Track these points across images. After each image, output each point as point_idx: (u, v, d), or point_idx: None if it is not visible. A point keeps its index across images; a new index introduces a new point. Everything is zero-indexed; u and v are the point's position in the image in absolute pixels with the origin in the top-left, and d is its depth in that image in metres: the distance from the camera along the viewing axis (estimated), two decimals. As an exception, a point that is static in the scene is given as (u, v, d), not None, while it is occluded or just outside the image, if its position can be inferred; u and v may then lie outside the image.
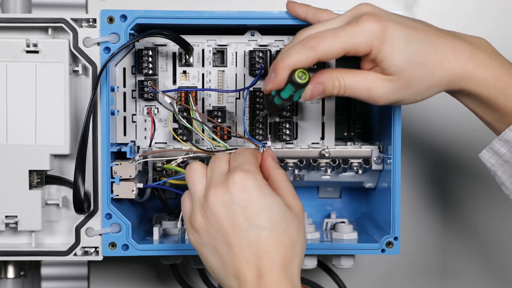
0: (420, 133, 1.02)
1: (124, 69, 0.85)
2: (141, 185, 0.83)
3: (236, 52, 0.85)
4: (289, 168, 0.86)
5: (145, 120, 0.85)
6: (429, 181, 1.03)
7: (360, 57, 0.73)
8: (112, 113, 0.81)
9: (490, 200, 1.02)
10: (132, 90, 0.85)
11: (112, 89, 0.81)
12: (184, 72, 0.85)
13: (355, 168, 0.87)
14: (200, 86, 0.85)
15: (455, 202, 1.03)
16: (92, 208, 0.81)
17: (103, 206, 0.81)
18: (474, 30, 1.01)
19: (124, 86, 0.85)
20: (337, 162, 0.86)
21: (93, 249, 0.82)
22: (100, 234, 0.81)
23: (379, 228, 0.87)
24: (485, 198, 1.02)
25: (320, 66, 0.84)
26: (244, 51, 0.85)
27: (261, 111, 0.84)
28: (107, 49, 0.80)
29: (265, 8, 0.87)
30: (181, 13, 0.81)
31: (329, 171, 0.87)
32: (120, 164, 0.81)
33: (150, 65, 0.83)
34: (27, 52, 0.80)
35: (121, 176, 0.81)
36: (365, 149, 0.86)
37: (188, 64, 0.85)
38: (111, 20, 0.80)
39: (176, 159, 0.83)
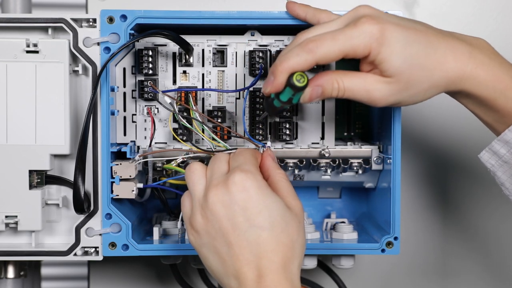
0: (420, 133, 1.02)
1: (124, 69, 0.85)
2: (141, 185, 0.83)
3: (236, 52, 0.85)
4: (289, 168, 0.86)
5: (145, 120, 0.85)
6: (429, 181, 1.03)
7: (359, 59, 0.73)
8: (112, 113, 0.81)
9: (490, 200, 1.02)
10: (132, 90, 0.85)
11: (112, 89, 0.81)
12: (184, 72, 0.85)
13: (355, 168, 0.87)
14: (200, 86, 0.85)
15: (455, 202, 1.03)
16: (92, 208, 0.81)
17: (103, 206, 0.81)
18: (474, 30, 1.01)
19: (124, 86, 0.85)
20: (337, 162, 0.86)
21: (93, 249, 0.82)
22: (100, 234, 0.81)
23: (379, 228, 0.87)
24: (485, 198, 1.02)
25: (320, 67, 0.84)
26: (244, 51, 0.85)
27: (261, 111, 0.84)
28: (107, 49, 0.80)
29: (265, 8, 0.87)
30: (181, 13, 0.81)
31: (329, 171, 0.87)
32: (120, 164, 0.81)
33: (150, 65, 0.83)
34: (27, 52, 0.80)
35: (121, 176, 0.81)
36: (365, 149, 0.86)
37: (188, 64, 0.85)
38: (111, 20, 0.80)
39: (176, 159, 0.83)
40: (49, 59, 0.80)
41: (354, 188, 0.96)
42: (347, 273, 1.01)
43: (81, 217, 0.81)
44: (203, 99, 0.85)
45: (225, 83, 0.85)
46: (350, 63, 0.77)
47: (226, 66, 0.85)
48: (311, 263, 0.88)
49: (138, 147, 0.85)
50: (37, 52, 0.80)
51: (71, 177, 0.82)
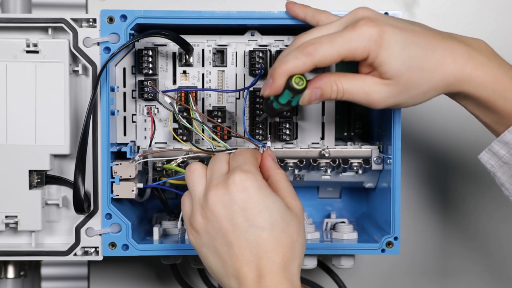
0: (420, 134, 1.02)
1: (124, 69, 0.85)
2: (141, 185, 0.83)
3: (236, 52, 0.85)
4: (289, 168, 0.86)
5: (145, 120, 0.85)
6: (429, 181, 1.03)
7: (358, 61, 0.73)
8: (112, 113, 0.81)
9: (490, 201, 1.02)
10: (132, 90, 0.85)
11: (112, 89, 0.81)
12: (184, 72, 0.85)
13: (355, 168, 0.87)
14: (200, 86, 0.85)
15: (455, 202, 1.03)
16: (92, 208, 0.81)
17: (103, 206, 0.81)
18: (474, 30, 1.01)
19: (124, 86, 0.85)
20: (337, 162, 0.86)
21: (93, 249, 0.82)
22: (100, 234, 0.81)
23: (379, 228, 0.87)
24: (485, 198, 1.02)
25: (320, 69, 0.83)
26: (244, 51, 0.85)
27: (261, 111, 0.84)
28: (107, 49, 0.80)
29: (265, 8, 0.87)
30: (181, 13, 0.81)
31: (329, 171, 0.87)
32: (120, 164, 0.81)
33: (150, 65, 0.83)
34: (27, 52, 0.80)
35: (121, 176, 0.81)
36: (365, 149, 0.86)
37: (188, 64, 0.85)
38: (111, 20, 0.80)
39: (176, 159, 0.83)
40: (49, 59, 0.80)
41: (354, 188, 0.96)
42: (347, 273, 1.01)
43: (81, 217, 0.81)
44: (203, 99, 0.85)
45: (225, 83, 0.85)
46: (350, 65, 0.77)
47: (226, 66, 0.85)
48: (311, 263, 0.88)
49: (138, 147, 0.85)
50: (37, 52, 0.80)
51: (71, 177, 0.82)
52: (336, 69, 0.85)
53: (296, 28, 0.82)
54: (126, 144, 0.84)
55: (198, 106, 0.85)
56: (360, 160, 0.86)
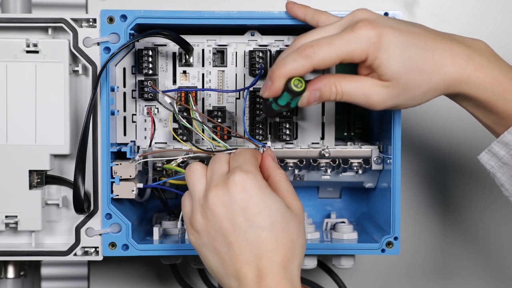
0: (420, 134, 1.02)
1: (124, 69, 0.85)
2: (141, 185, 0.83)
3: (236, 52, 0.85)
4: (289, 168, 0.86)
5: (145, 120, 0.85)
6: (428, 181, 1.03)
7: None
8: (112, 113, 0.81)
9: (489, 201, 1.02)
10: (132, 90, 0.85)
11: (112, 89, 0.81)
12: (184, 72, 0.85)
13: (355, 168, 0.87)
14: (200, 86, 0.85)
15: (454, 202, 1.03)
16: (92, 208, 0.81)
17: (103, 206, 0.81)
18: (474, 30, 1.01)
19: (124, 86, 0.85)
20: (337, 162, 0.86)
21: (93, 249, 0.82)
22: (100, 234, 0.81)
23: (379, 228, 0.87)
24: (484, 198, 1.02)
25: (320, 70, 0.83)
26: (244, 51, 0.85)
27: (261, 111, 0.84)
28: (107, 49, 0.80)
29: (265, 8, 0.87)
30: (181, 13, 0.81)
31: (329, 171, 0.87)
32: (120, 164, 0.81)
33: (150, 65, 0.83)
34: (27, 52, 0.80)
35: (121, 176, 0.81)
36: (365, 149, 0.86)
37: (188, 64, 0.85)
38: (111, 20, 0.80)
39: (176, 159, 0.83)
40: (49, 59, 0.80)
41: (354, 188, 0.96)
42: (347, 273, 1.01)
43: (81, 217, 0.81)
44: (203, 99, 0.85)
45: (225, 83, 0.85)
46: (350, 66, 0.77)
47: (226, 66, 0.85)
48: (311, 263, 0.88)
49: (138, 147, 0.85)
50: (37, 52, 0.80)
51: (71, 177, 0.82)
52: (336, 69, 0.85)
53: (296, 28, 0.82)
54: (126, 144, 0.84)
55: (198, 106, 0.85)
56: (360, 160, 0.86)
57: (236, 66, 0.85)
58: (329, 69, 0.84)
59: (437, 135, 1.02)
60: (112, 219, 0.81)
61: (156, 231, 0.85)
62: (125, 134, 0.85)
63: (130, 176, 0.81)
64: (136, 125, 0.85)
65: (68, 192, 0.83)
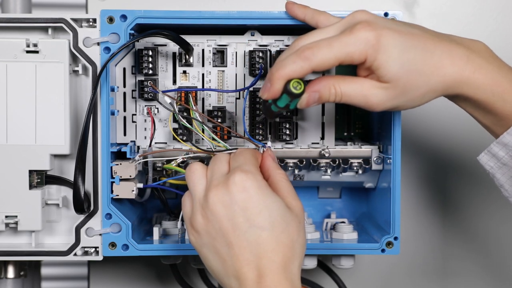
0: (419, 134, 1.02)
1: (124, 69, 0.85)
2: (141, 185, 0.83)
3: (236, 52, 0.85)
4: (289, 168, 0.86)
5: (145, 120, 0.85)
6: (428, 181, 1.03)
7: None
8: (112, 113, 0.81)
9: (489, 201, 1.02)
10: (132, 90, 0.85)
11: (112, 89, 0.81)
12: (184, 72, 0.85)
13: (355, 168, 0.87)
14: (200, 86, 0.85)
15: (454, 202, 1.03)
16: (92, 208, 0.81)
17: (103, 206, 0.81)
18: (474, 30, 1.01)
19: (124, 86, 0.85)
20: (337, 162, 0.86)
21: (93, 249, 0.82)
22: (100, 234, 0.81)
23: (379, 228, 0.87)
24: (484, 199, 1.02)
25: (320, 72, 0.83)
26: (244, 51, 0.85)
27: (261, 111, 0.84)
28: (107, 49, 0.80)
29: (265, 8, 0.87)
30: (181, 13, 0.81)
31: (329, 171, 0.87)
32: (120, 164, 0.81)
33: (150, 65, 0.83)
34: (27, 52, 0.80)
35: (121, 176, 0.81)
36: (365, 149, 0.86)
37: (188, 64, 0.85)
38: (111, 20, 0.80)
39: (176, 159, 0.83)
40: (49, 59, 0.80)
41: (354, 188, 0.96)
42: (347, 273, 1.01)
43: (81, 217, 0.81)
44: (203, 99, 0.85)
45: (225, 83, 0.85)
46: (351, 67, 0.77)
47: (226, 66, 0.85)
48: (311, 263, 0.88)
49: (138, 147, 0.85)
50: (37, 52, 0.80)
51: (71, 177, 0.82)
52: (336, 71, 0.85)
53: (296, 28, 0.82)
54: (126, 144, 0.84)
55: (198, 106, 0.85)
56: (360, 160, 0.86)
57: (236, 66, 0.85)
58: (329, 70, 0.84)
59: (437, 136, 1.02)
60: (112, 219, 0.81)
61: (156, 231, 0.85)
62: (125, 134, 0.85)
63: (130, 176, 0.81)
64: (136, 125, 0.85)
65: (68, 192, 0.83)
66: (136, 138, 0.85)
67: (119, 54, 0.80)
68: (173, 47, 0.85)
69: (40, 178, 0.82)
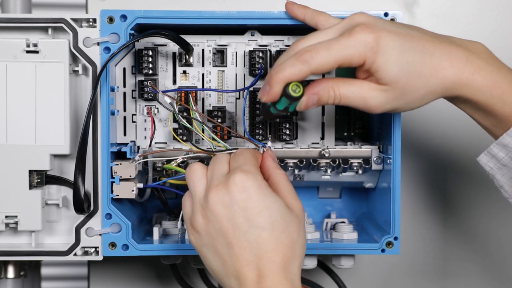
0: (419, 134, 1.02)
1: (124, 69, 0.85)
2: (141, 185, 0.83)
3: (236, 52, 0.85)
4: (289, 168, 0.86)
5: (145, 120, 0.85)
6: (428, 182, 1.03)
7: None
8: (112, 113, 0.81)
9: (489, 202, 1.02)
10: (132, 90, 0.85)
11: (112, 89, 0.81)
12: (184, 72, 0.85)
13: (355, 168, 0.87)
14: (200, 86, 0.85)
15: (454, 203, 1.03)
16: (92, 208, 0.81)
17: (103, 206, 0.81)
18: (474, 30, 1.01)
19: (124, 86, 0.85)
20: (337, 162, 0.86)
21: (93, 249, 0.82)
22: (100, 234, 0.81)
23: (379, 228, 0.87)
24: (484, 200, 1.02)
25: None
26: (244, 51, 0.85)
27: (261, 111, 0.84)
28: (107, 49, 0.80)
29: (265, 8, 0.87)
30: (181, 13, 0.81)
31: (329, 171, 0.87)
32: (120, 164, 0.81)
33: (150, 65, 0.83)
34: (27, 52, 0.80)
35: (121, 176, 0.81)
36: (365, 149, 0.86)
37: (188, 64, 0.85)
38: (111, 20, 0.80)
39: (176, 159, 0.83)
40: (49, 59, 0.80)
41: (354, 188, 0.96)
42: (347, 273, 1.01)
43: (81, 217, 0.81)
44: (203, 99, 0.85)
45: (225, 83, 0.85)
46: (350, 69, 0.77)
47: (226, 66, 0.85)
48: (311, 263, 0.88)
49: (138, 147, 0.85)
50: (37, 52, 0.80)
51: (71, 177, 0.82)
52: (336, 73, 0.85)
53: (296, 28, 0.82)
54: (126, 144, 0.84)
55: (198, 106, 0.85)
56: (360, 160, 0.86)
57: (236, 66, 0.85)
58: (329, 72, 0.84)
59: (437, 137, 1.02)
60: (112, 219, 0.81)
61: (156, 231, 0.85)
62: (125, 134, 0.85)
63: (130, 176, 0.81)
64: (136, 125, 0.85)
65: (68, 192, 0.83)
66: (136, 138, 0.85)
67: (119, 54, 0.80)
68: (173, 47, 0.85)
69: (40, 178, 0.82)
